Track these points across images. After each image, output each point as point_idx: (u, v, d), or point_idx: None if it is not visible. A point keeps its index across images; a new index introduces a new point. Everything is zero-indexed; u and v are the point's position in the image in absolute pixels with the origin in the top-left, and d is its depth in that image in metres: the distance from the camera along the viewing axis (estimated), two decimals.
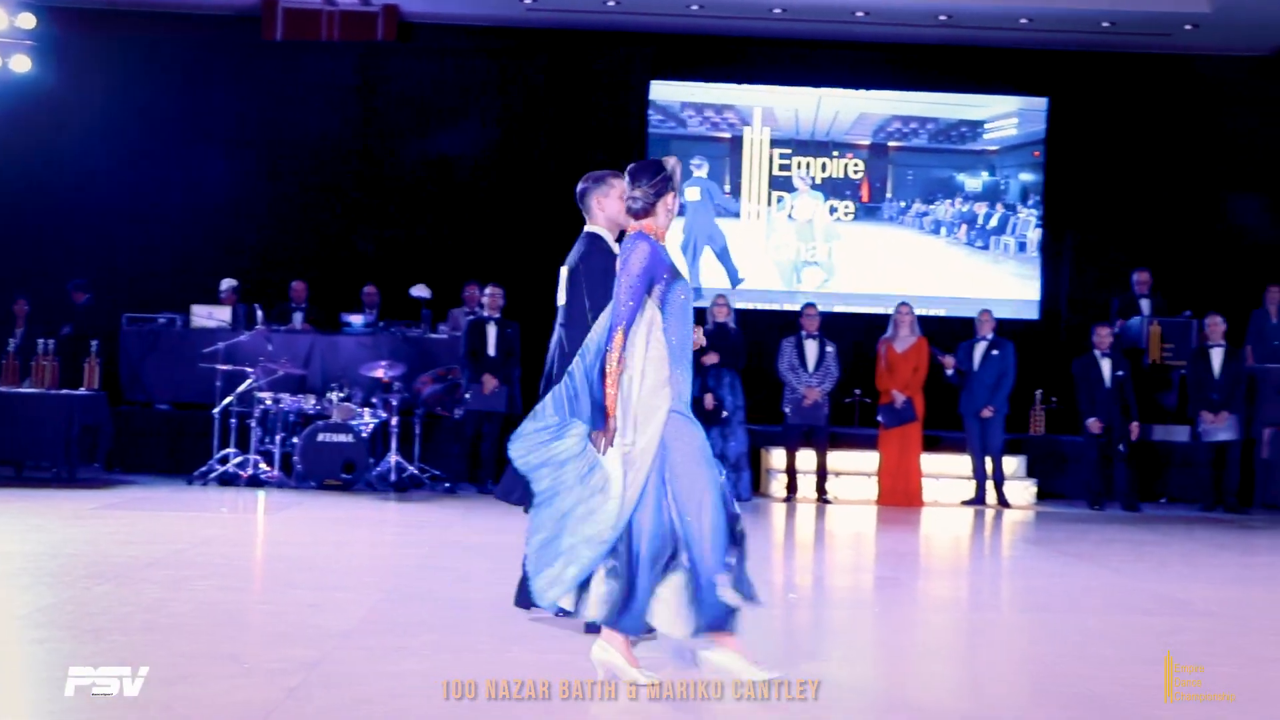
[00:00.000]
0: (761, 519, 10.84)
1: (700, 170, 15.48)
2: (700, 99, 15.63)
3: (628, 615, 4.44)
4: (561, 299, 5.47)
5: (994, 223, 15.72)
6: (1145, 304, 13.78)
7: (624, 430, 4.45)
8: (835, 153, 15.61)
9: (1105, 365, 12.21)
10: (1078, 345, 12.86)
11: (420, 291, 13.06)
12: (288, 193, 15.21)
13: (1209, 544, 9.70)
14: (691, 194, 15.39)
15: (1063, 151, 15.58)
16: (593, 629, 4.78)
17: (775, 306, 15.21)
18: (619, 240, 4.86)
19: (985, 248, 15.69)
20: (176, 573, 6.63)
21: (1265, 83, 15.74)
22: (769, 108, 15.65)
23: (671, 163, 4.70)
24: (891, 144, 15.79)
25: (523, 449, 4.56)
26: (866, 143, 15.76)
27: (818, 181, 15.59)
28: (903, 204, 15.76)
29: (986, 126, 15.79)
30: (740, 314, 13.02)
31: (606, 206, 5.46)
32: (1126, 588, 7.41)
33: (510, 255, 14.60)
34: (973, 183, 15.80)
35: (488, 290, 12.15)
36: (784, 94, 15.66)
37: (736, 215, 15.57)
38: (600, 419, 4.45)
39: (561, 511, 4.49)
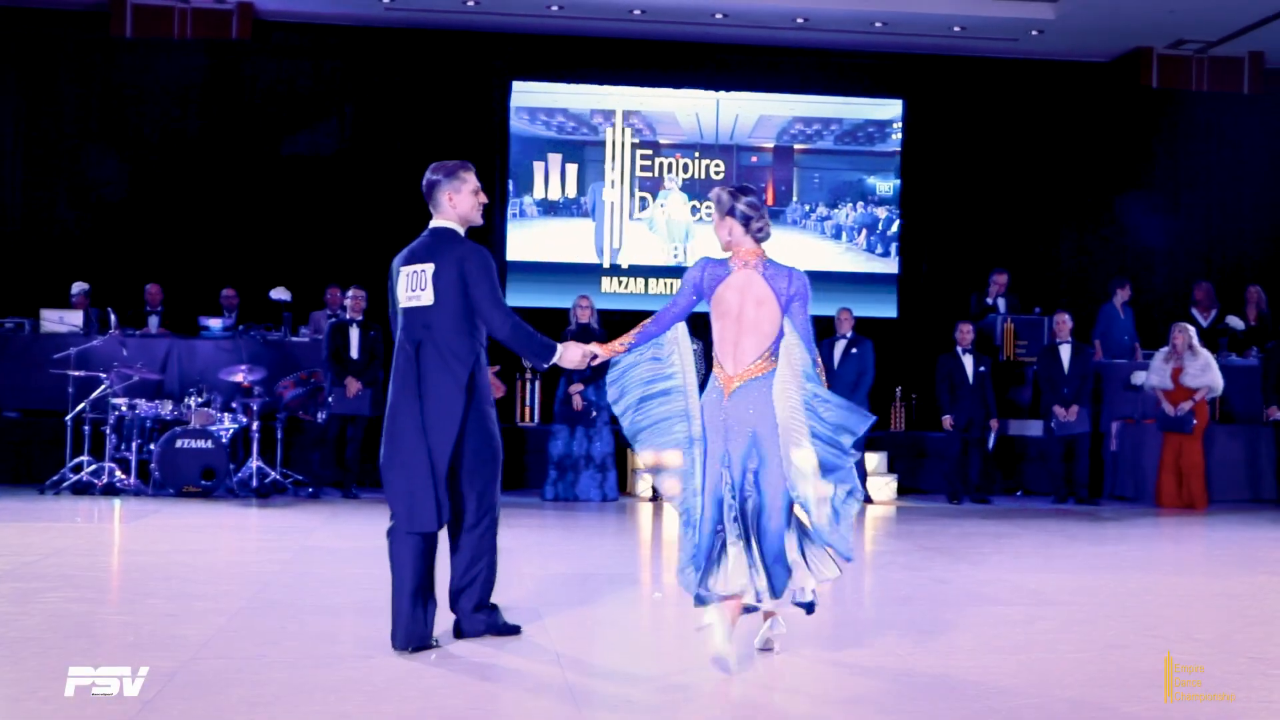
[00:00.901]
0: (628, 519, 10.88)
1: (613, 172, 15.45)
2: (566, 103, 15.55)
3: None
4: (426, 298, 5.05)
5: (894, 228, 15.72)
6: (1002, 302, 14.15)
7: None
8: (697, 154, 15.64)
9: (968, 361, 12.51)
10: (937, 343, 13.13)
11: (280, 294, 12.85)
12: (141, 194, 14.82)
13: (1061, 535, 10.00)
14: (613, 195, 15.38)
15: (918, 152, 15.86)
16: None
17: (640, 307, 15.23)
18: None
19: (886, 254, 15.70)
20: (26, 585, 6.42)
21: (1106, 88, 16.25)
22: (669, 111, 15.54)
23: (753, 187, 5.24)
24: (797, 146, 15.71)
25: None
26: (771, 145, 15.70)
27: (679, 184, 15.59)
28: (807, 208, 15.75)
29: (895, 126, 15.77)
30: (603, 314, 13.05)
31: (459, 203, 5.18)
32: (984, 579, 7.59)
33: (371, 257, 14.37)
34: (884, 186, 15.74)
35: (350, 293, 12.03)
36: (682, 97, 15.55)
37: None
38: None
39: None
